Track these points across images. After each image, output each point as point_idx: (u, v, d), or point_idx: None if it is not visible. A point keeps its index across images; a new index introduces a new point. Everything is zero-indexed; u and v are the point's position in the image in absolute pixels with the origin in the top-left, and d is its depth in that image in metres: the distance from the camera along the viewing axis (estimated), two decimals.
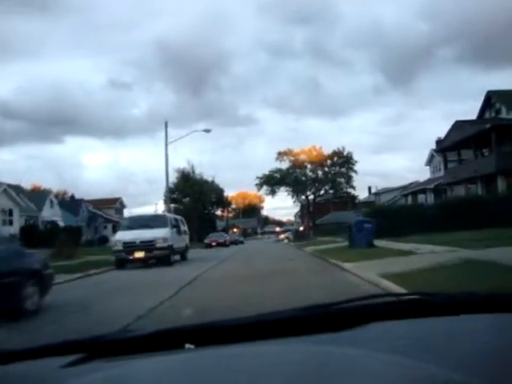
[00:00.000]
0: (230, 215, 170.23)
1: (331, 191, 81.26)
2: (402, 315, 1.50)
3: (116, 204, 74.23)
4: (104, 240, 56.74)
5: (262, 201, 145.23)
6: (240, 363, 1.14)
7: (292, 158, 78.83)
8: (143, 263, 21.25)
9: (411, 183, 66.90)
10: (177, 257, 23.77)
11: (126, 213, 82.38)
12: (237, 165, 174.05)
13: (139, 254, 20.33)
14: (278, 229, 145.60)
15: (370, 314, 1.47)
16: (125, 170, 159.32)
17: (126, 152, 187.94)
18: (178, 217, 26.02)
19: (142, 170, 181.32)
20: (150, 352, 1.34)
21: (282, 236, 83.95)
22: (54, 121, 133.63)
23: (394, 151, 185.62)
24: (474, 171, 35.82)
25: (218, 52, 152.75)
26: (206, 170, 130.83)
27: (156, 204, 42.24)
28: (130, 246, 20.33)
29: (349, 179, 78.97)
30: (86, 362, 1.30)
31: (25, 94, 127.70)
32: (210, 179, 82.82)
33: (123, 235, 21.03)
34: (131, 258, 20.37)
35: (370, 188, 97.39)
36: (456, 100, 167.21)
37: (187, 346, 1.36)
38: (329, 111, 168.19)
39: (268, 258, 22.99)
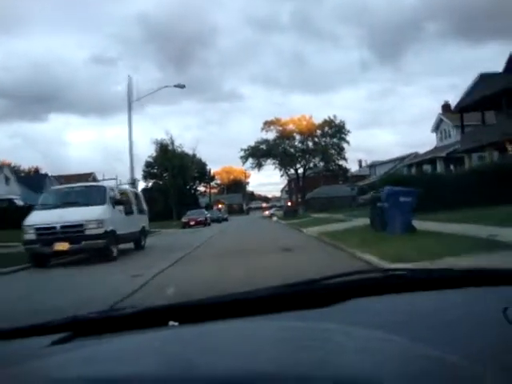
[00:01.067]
0: (215, 191, 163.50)
1: (322, 164, 74.37)
2: (384, 291, 1.49)
3: (88, 179, 66.10)
4: None
5: (247, 176, 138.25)
6: (222, 339, 1.14)
7: (280, 128, 71.64)
8: (74, 257, 14.19)
9: (410, 154, 60.49)
10: (129, 245, 16.71)
11: None
12: (222, 141, 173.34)
13: (61, 246, 13.07)
14: (264, 205, 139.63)
15: (352, 289, 1.47)
16: (108, 148, 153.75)
17: (109, 129, 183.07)
18: (132, 190, 18.58)
19: (126, 148, 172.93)
20: (133, 330, 1.33)
21: (267, 212, 76.84)
22: (35, 98, 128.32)
23: (379, 126, 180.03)
24: (503, 134, 28.92)
25: (203, 26, 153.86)
26: (187, 142, 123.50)
27: (116, 178, 33.91)
28: (48, 234, 13.13)
29: (340, 151, 72.08)
30: (70, 341, 1.30)
31: (5, 70, 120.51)
32: (190, 152, 75.49)
33: (38, 217, 13.69)
34: (50, 251, 13.21)
35: (360, 161, 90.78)
36: (442, 75, 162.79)
37: (171, 323, 1.36)
38: (315, 86, 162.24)
39: (259, 245, 15.94)
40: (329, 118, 71.61)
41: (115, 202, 14.44)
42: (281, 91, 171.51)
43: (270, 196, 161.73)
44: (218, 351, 1.04)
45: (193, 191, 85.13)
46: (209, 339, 1.14)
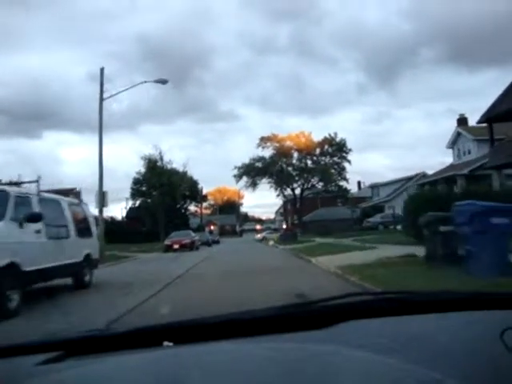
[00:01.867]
0: (207, 211, 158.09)
1: (321, 184, 69.01)
2: (379, 313, 1.46)
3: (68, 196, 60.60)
4: None
5: (241, 197, 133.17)
6: (217, 360, 1.13)
7: (277, 145, 66.27)
8: None
9: (417, 174, 55.50)
10: (66, 280, 11.19)
11: None
12: (217, 161, 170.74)
13: None
14: (258, 227, 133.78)
15: (347, 312, 1.45)
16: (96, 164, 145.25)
17: (104, 147, 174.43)
18: (69, 201, 12.62)
19: (120, 166, 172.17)
20: (127, 349, 1.30)
21: (259, 236, 71.35)
22: (30, 114, 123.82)
23: (375, 149, 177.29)
24: None
25: (201, 47, 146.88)
26: (179, 159, 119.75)
27: (38, 179, 21.18)
28: None
29: (341, 170, 66.80)
30: (62, 360, 1.26)
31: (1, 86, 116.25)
32: (181, 169, 70.08)
33: None
34: None
35: (359, 183, 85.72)
36: (436, 100, 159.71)
37: (165, 343, 1.33)
38: (312, 109, 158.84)
39: (259, 286, 10.38)
40: (329, 135, 66.53)
41: (28, 218, 8.84)
42: (277, 113, 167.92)
43: (263, 218, 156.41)
44: (213, 373, 1.03)
45: (183, 211, 79.53)
46: (203, 360, 1.12)
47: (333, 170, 66.06)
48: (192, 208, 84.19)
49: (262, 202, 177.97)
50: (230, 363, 1.09)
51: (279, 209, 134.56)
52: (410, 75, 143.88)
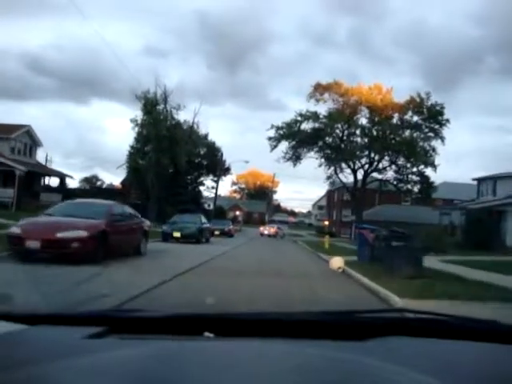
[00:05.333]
0: (236, 195, 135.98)
1: (393, 167, 45.26)
2: (421, 333, 1.43)
3: (13, 134, 37.47)
4: None
5: (275, 184, 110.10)
6: (259, 359, 1.11)
7: (339, 99, 42.54)
8: None
9: None
10: None
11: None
12: (258, 149, 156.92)
13: None
14: (291, 219, 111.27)
15: (389, 327, 1.43)
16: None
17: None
18: None
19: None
20: (168, 334, 1.32)
21: (269, 229, 51.11)
22: (81, 81, 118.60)
23: None
24: None
25: (259, 32, 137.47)
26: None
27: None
28: None
29: (429, 151, 42.80)
30: (107, 336, 1.29)
31: (57, 50, 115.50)
32: (190, 121, 47.29)
33: None
34: None
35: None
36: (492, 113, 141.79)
37: (206, 334, 1.33)
38: None
39: None
40: (418, 95, 42.49)
41: None
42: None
43: (296, 211, 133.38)
44: (251, 372, 1.00)
45: (193, 185, 56.73)
46: (244, 357, 1.10)
47: (419, 148, 42.15)
48: (209, 183, 60.95)
49: (298, 196, 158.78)
50: (271, 364, 1.05)
51: (319, 201, 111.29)
52: (469, 85, 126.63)
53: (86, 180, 79.02)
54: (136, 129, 43.36)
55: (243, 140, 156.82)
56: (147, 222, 14.95)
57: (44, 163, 45.88)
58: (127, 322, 1.39)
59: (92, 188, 55.08)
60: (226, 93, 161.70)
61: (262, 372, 1.00)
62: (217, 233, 35.34)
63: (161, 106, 43.44)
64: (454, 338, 1.41)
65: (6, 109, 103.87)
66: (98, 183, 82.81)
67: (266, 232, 50.28)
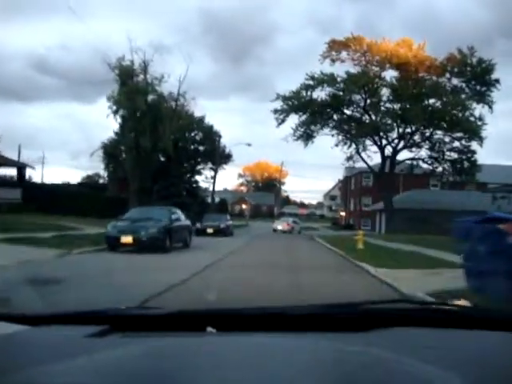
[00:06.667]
0: (243, 189, 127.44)
1: (427, 144, 36.54)
2: (428, 323, 1.40)
3: None
4: None
5: (283, 175, 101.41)
6: (257, 352, 1.09)
7: (360, 58, 33.72)
8: None
9: None
10: None
11: None
12: (263, 143, 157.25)
13: None
14: (302, 211, 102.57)
15: (394, 318, 1.40)
16: None
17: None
18: None
19: None
20: (171, 331, 1.31)
21: (286, 226, 41.36)
22: (87, 81, 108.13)
23: None
24: None
25: (263, 25, 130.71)
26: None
27: None
28: None
29: (479, 121, 33.84)
30: (109, 335, 1.27)
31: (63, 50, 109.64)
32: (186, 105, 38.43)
33: None
34: None
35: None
36: None
37: (209, 329, 1.30)
38: None
39: None
40: (459, 51, 33.56)
41: None
42: None
43: (306, 203, 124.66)
44: (252, 364, 0.99)
45: (189, 175, 48.09)
46: (244, 351, 1.09)
47: (460, 116, 33.20)
48: (209, 174, 51.99)
49: (307, 187, 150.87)
50: (275, 357, 1.03)
51: (331, 190, 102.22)
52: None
53: (88, 178, 71.67)
54: (114, 107, 34.73)
55: (250, 132, 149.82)
56: None
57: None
58: (129, 320, 1.36)
59: (64, 184, 46.41)
60: (231, 86, 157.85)
61: (267, 365, 0.98)
62: (209, 231, 26.76)
63: (140, 78, 34.79)
64: (456, 327, 1.39)
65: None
66: (101, 181, 75.11)
67: (279, 227, 41.40)
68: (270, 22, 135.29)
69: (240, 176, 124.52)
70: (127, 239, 13.74)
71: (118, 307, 1.45)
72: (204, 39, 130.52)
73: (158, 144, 35.33)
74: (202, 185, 51.69)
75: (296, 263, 13.05)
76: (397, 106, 33.33)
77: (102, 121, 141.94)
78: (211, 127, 51.52)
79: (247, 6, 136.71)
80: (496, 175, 40.68)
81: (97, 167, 66.56)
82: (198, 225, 27.56)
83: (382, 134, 34.65)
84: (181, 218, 16.14)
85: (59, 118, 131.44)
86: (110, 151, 36.64)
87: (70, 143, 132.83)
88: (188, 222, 16.90)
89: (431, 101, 32.93)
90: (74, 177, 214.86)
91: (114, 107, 34.02)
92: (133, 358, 1.04)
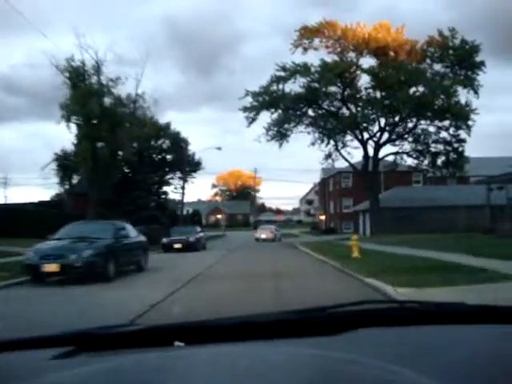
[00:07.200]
0: (217, 198, 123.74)
1: (412, 136, 33.70)
2: (392, 322, 1.42)
3: None
4: None
5: (257, 183, 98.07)
6: (227, 362, 1.08)
7: (334, 44, 30.69)
8: None
9: None
10: None
11: None
12: (238, 151, 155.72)
13: None
14: (279, 217, 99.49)
15: (360, 319, 1.40)
16: None
17: None
18: None
19: None
20: (138, 348, 1.28)
21: (270, 234, 39.24)
22: (54, 98, 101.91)
23: None
24: None
25: (229, 33, 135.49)
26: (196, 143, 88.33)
27: None
28: None
29: (463, 110, 31.06)
30: (74, 355, 1.24)
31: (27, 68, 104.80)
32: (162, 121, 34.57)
33: None
34: None
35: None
36: None
37: (176, 343, 1.29)
38: None
39: None
40: (439, 32, 30.85)
41: None
42: None
43: (282, 209, 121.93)
44: (222, 375, 0.98)
45: (156, 187, 44.29)
46: (213, 362, 1.07)
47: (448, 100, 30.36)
48: (179, 184, 48.11)
49: (283, 194, 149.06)
50: (241, 366, 1.02)
51: (307, 194, 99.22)
52: None
53: (58, 196, 67.15)
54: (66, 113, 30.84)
55: (223, 142, 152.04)
56: None
57: None
58: (95, 340, 1.32)
59: (18, 204, 41.91)
60: (200, 97, 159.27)
61: (234, 375, 0.96)
62: (177, 246, 23.14)
63: (93, 79, 31.09)
64: (421, 323, 1.39)
65: None
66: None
67: (263, 236, 38.83)
68: (235, 30, 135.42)
69: (214, 186, 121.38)
70: (52, 267, 10.10)
71: (84, 327, 1.39)
72: (170, 51, 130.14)
73: (118, 152, 31.75)
74: (173, 196, 48.24)
75: (286, 290, 9.61)
76: (378, 95, 30.31)
77: (69, 136, 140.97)
78: (178, 134, 48.03)
79: (212, 15, 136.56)
80: (479, 168, 38.15)
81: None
82: (165, 239, 23.97)
83: (363, 126, 31.60)
84: (130, 234, 12.56)
85: (27, 137, 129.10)
86: (64, 163, 32.75)
87: (40, 162, 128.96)
88: (142, 238, 13.34)
89: (417, 87, 30.00)
90: (44, 196, 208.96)
91: (66, 114, 30.26)
92: (97, 376, 1.01)
